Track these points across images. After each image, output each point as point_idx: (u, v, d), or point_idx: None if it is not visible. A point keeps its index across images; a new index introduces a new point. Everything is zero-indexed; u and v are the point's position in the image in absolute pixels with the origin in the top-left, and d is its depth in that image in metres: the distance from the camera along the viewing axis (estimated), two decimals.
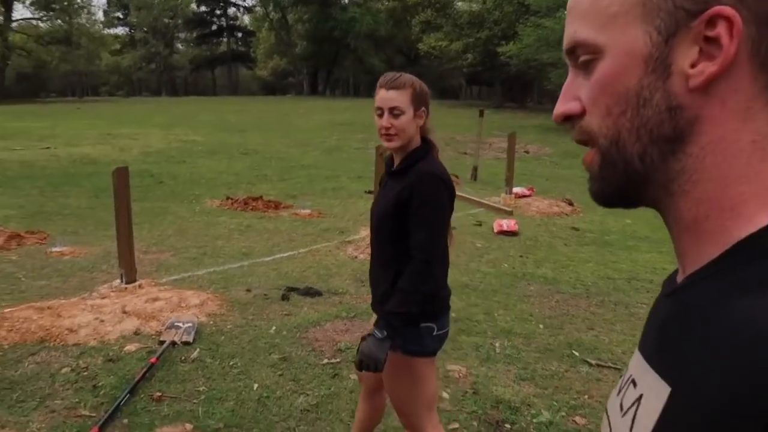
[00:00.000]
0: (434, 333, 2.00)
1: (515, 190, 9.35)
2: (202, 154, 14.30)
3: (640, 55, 0.49)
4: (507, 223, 7.24)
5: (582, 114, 0.54)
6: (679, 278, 0.55)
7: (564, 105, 0.56)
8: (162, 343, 3.71)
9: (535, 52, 25.40)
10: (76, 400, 3.10)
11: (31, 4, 50.24)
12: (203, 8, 66.60)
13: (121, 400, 3.01)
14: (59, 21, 52.19)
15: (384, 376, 2.05)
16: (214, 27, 67.92)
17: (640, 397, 0.51)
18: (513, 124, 20.94)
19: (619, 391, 0.58)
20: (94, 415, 2.95)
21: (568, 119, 0.56)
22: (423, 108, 1.98)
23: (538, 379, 3.48)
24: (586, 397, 3.29)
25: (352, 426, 2.60)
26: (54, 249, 5.89)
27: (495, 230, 7.16)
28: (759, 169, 0.48)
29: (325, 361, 3.63)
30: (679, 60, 0.48)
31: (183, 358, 3.61)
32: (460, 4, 40.60)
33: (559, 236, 7.25)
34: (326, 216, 8.06)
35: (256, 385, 3.30)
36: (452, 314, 4.26)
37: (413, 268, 1.90)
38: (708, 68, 0.47)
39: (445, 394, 3.25)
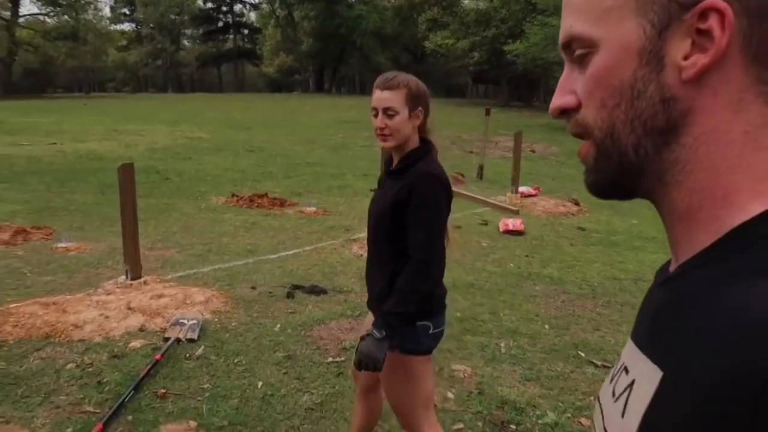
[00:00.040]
0: (430, 331, 2.00)
1: (521, 189, 9.33)
2: (207, 151, 14.32)
3: (634, 48, 0.50)
4: (513, 223, 7.22)
5: (578, 107, 0.55)
6: (672, 268, 0.56)
7: (560, 99, 0.56)
8: (167, 339, 3.71)
9: (542, 50, 25.38)
10: (81, 396, 3.10)
11: None
12: (209, 5, 66.69)
13: (126, 397, 3.01)
14: (66, 17, 52.51)
15: (381, 375, 2.05)
16: (221, 24, 67.98)
17: (633, 382, 0.52)
18: (519, 123, 20.91)
19: (611, 380, 0.58)
20: (98, 411, 2.95)
21: (564, 113, 0.57)
22: (419, 108, 1.98)
23: (543, 380, 3.46)
24: (591, 398, 3.27)
25: (348, 429, 2.59)
26: (60, 245, 5.90)
27: (501, 229, 7.14)
28: (751, 159, 0.48)
29: (330, 359, 3.62)
30: (672, 52, 0.49)
31: (187, 355, 3.61)
32: (466, 2, 40.61)
33: (566, 236, 7.22)
34: (331, 214, 8.06)
35: (260, 383, 3.30)
36: (457, 314, 4.29)
37: (411, 268, 1.90)
38: (700, 60, 0.48)
39: (450, 394, 3.23)
